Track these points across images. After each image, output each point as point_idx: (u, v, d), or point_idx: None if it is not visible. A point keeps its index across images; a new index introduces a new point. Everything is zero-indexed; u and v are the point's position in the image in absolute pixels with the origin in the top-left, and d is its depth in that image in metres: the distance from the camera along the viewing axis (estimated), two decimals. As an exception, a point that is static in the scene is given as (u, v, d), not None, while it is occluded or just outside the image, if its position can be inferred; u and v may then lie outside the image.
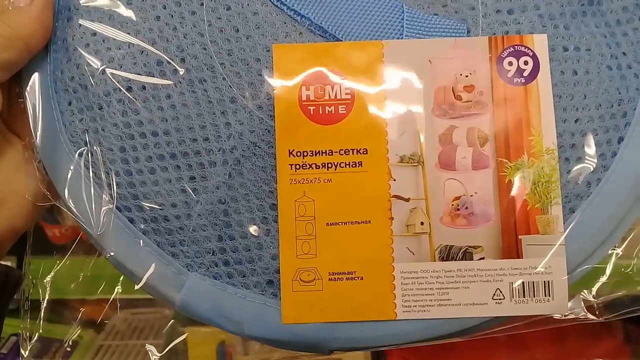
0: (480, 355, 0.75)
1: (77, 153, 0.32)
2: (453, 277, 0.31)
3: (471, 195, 0.31)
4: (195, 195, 0.31)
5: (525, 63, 0.31)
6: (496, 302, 0.30)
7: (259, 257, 0.31)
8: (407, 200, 0.31)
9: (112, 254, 0.31)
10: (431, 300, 0.30)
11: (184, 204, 0.31)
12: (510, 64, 0.31)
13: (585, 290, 0.32)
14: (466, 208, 0.31)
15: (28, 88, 0.33)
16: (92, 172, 0.32)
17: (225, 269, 0.31)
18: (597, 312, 0.32)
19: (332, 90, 0.31)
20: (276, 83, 0.31)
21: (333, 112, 0.31)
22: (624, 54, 0.32)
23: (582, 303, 0.31)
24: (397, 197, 0.31)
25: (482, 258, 0.31)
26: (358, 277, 0.31)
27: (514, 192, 0.31)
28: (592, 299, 0.32)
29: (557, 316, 0.31)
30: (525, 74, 0.31)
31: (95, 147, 0.32)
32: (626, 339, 0.72)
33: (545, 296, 0.30)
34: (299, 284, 0.31)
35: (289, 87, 0.31)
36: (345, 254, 0.31)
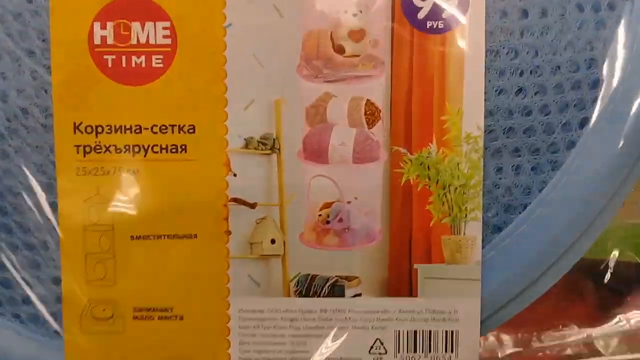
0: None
1: None
2: (315, 320, 0.21)
3: (348, 202, 0.21)
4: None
5: (447, -3, 0.20)
6: (374, 359, 0.21)
7: (36, 279, 0.21)
8: (253, 206, 0.21)
9: None
10: (282, 351, 0.21)
11: None
12: (423, -3, 0.20)
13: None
14: (340, 220, 0.21)
15: None
16: None
17: (-11, 294, 0.22)
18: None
19: (143, 29, 0.20)
20: (53, 15, 0.20)
21: (144, 64, 0.20)
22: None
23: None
24: (238, 200, 0.21)
25: (359, 294, 0.21)
26: (176, 316, 0.21)
27: (411, 199, 0.21)
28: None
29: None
30: (446, 14, 0.20)
31: None
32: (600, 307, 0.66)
33: (446, 352, 0.21)
34: (90, 321, 0.21)
35: (72, 22, 0.20)
36: (158, 281, 0.21)
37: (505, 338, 0.28)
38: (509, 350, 0.28)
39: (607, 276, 0.27)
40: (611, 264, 0.27)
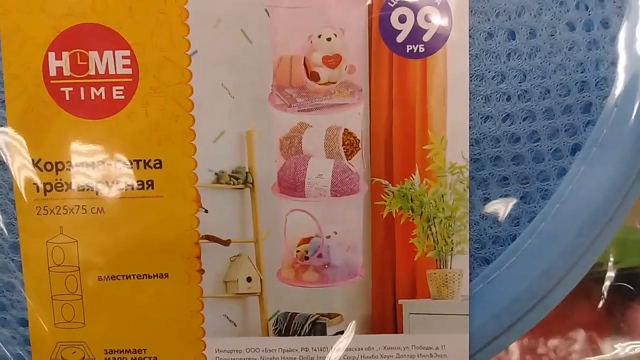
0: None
1: None
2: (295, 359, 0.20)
3: (328, 237, 0.20)
4: None
5: (428, 18, 0.18)
6: (357, 397, 0.20)
7: (3, 321, 0.20)
8: (226, 243, 0.20)
9: None
10: (261, 391, 0.20)
11: None
12: (403, 19, 0.18)
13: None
14: (319, 256, 0.20)
15: None
16: None
17: (-47, 337, 0.21)
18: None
19: (101, 59, 0.19)
20: (4, 46, 0.18)
21: (104, 96, 0.19)
22: (600, -2, 0.19)
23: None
24: (210, 238, 0.20)
25: (341, 332, 0.20)
26: (150, 358, 0.20)
27: (394, 233, 0.20)
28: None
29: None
30: (427, 37, 0.18)
31: None
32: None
33: (433, 389, 0.20)
34: (60, 365, 0.20)
35: (25, 53, 0.19)
36: (130, 322, 0.20)
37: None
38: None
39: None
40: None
